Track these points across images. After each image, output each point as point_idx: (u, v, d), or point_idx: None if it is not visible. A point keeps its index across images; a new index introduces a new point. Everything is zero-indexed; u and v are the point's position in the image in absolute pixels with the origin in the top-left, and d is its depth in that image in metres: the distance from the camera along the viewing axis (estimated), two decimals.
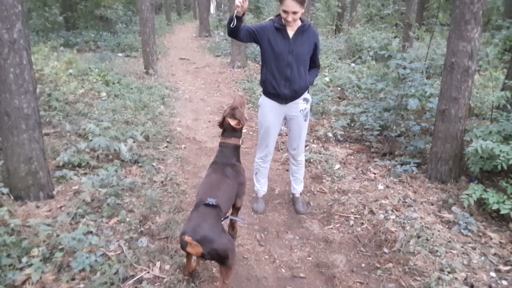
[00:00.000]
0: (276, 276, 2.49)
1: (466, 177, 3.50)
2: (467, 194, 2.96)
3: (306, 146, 4.52)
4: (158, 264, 2.48)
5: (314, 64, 2.96)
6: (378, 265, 2.58)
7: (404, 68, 4.10)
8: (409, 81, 4.22)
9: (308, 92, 3.02)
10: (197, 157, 4.33)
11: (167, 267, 2.47)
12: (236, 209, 2.59)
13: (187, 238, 1.91)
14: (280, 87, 2.82)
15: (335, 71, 7.27)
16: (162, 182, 3.60)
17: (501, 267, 2.48)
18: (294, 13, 2.59)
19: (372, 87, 4.50)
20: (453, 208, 3.11)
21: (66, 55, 7.77)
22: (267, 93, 2.93)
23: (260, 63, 2.95)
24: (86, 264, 2.32)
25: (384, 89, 4.72)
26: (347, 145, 4.54)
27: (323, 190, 3.57)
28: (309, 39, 2.78)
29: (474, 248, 2.67)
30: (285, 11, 2.61)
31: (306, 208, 3.27)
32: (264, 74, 2.89)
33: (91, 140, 3.80)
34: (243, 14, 2.51)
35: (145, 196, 3.23)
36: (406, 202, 3.25)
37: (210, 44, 14.00)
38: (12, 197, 2.91)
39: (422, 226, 2.87)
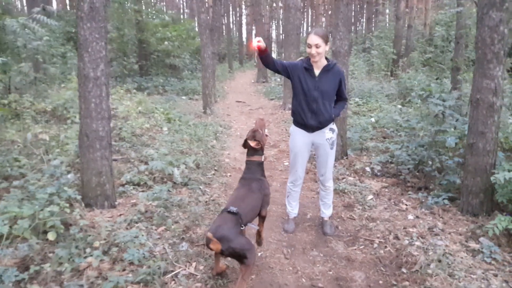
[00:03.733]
0: (296, 284, 2.74)
1: (499, 211, 3.50)
2: (493, 224, 3.01)
3: (342, 178, 4.76)
4: (194, 264, 2.88)
5: (340, 97, 3.34)
6: (395, 283, 2.72)
7: (439, 106, 4.28)
8: (450, 120, 4.38)
9: (333, 123, 3.35)
10: None
11: (201, 267, 2.85)
12: (261, 218, 2.93)
13: (209, 234, 2.33)
14: (308, 118, 3.22)
15: (381, 113, 7.47)
16: (206, 201, 4.05)
17: None
18: (317, 46, 3.01)
19: (407, 124, 4.69)
20: (481, 239, 3.15)
21: (137, 96, 8.89)
22: (297, 122, 3.33)
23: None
24: (136, 257, 2.79)
25: (424, 127, 4.88)
26: (383, 179, 4.69)
27: (353, 217, 3.77)
28: (334, 77, 3.18)
29: (495, 275, 2.70)
30: (309, 45, 3.05)
31: (334, 231, 3.49)
32: (294, 106, 3.31)
33: (149, 164, 4.42)
34: (266, 49, 3.00)
35: (190, 211, 3.69)
36: (433, 231, 3.34)
37: (266, 89, 14.87)
38: (83, 204, 3.54)
39: (445, 252, 2.96)
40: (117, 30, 14.07)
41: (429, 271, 2.75)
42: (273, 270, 2.91)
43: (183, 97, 12.42)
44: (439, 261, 2.85)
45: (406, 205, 3.95)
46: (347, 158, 5.41)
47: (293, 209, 3.60)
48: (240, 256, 2.40)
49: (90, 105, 3.45)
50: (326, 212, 3.55)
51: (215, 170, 5.16)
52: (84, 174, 3.59)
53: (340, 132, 5.42)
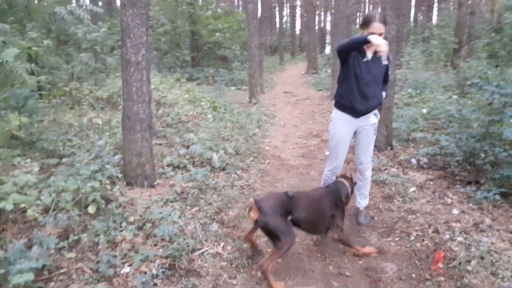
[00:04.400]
0: (323, 271, 2.68)
1: None
2: None
3: (385, 169, 4.55)
4: (222, 244, 2.93)
5: (384, 82, 3.18)
6: (429, 277, 2.56)
7: (495, 94, 3.92)
8: (510, 110, 3.99)
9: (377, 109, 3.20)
10: (277, 171, 4.74)
11: (229, 247, 2.89)
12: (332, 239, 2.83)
13: (252, 199, 2.42)
14: (357, 103, 3.02)
15: (435, 104, 7.01)
16: (241, 186, 4.09)
17: None
18: (380, 34, 2.82)
19: (459, 115, 4.35)
20: None
21: (186, 85, 9.16)
22: (343, 106, 3.11)
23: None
24: (167, 234, 2.88)
25: (479, 118, 4.50)
26: (430, 172, 4.41)
27: (391, 208, 3.60)
28: (382, 61, 3.04)
29: None
30: (373, 33, 2.81)
31: (369, 221, 3.35)
32: (342, 90, 3.11)
33: (189, 148, 4.54)
34: None
35: (224, 194, 3.75)
36: (479, 227, 3.09)
37: (315, 80, 14.61)
38: (124, 182, 3.73)
39: (490, 249, 2.73)
40: (171, 22, 14.57)
41: (469, 268, 2.55)
42: (301, 255, 2.87)
43: (232, 88, 12.61)
44: (482, 258, 2.63)
45: (452, 199, 3.69)
46: (391, 149, 5.16)
47: None
48: (273, 236, 2.43)
49: (131, 88, 3.61)
50: (362, 202, 3.41)
51: (254, 157, 5.18)
52: (126, 154, 3.77)
53: (385, 122, 5.19)
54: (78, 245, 2.73)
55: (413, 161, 4.72)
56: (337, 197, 2.85)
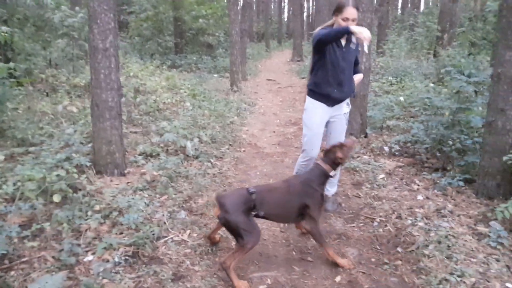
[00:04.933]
0: (286, 257, 2.73)
1: None
2: (504, 207, 2.80)
3: (357, 157, 4.61)
4: (188, 232, 2.95)
5: (356, 67, 3.18)
6: (387, 261, 2.63)
7: (461, 82, 3.98)
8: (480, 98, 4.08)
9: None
10: (252, 159, 4.77)
11: (194, 234, 2.92)
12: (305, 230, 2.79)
13: (214, 195, 2.51)
14: (333, 91, 3.01)
15: (411, 92, 7.10)
16: (214, 174, 4.10)
17: None
18: (354, 20, 2.82)
19: (429, 103, 4.42)
20: (491, 222, 2.94)
21: (165, 73, 9.06)
22: (318, 94, 3.07)
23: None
24: (132, 222, 2.89)
25: (450, 106, 4.58)
26: (400, 159, 4.50)
27: (359, 195, 3.67)
28: (354, 46, 3.05)
29: (498, 260, 2.53)
30: (346, 19, 2.82)
31: (336, 207, 3.41)
32: (318, 78, 3.05)
33: (163, 135, 4.53)
34: None
35: (196, 182, 3.76)
36: (441, 213, 3.17)
37: (300, 68, 14.61)
38: (94, 171, 3.71)
39: (448, 234, 2.81)
40: (153, 8, 14.29)
41: (426, 252, 2.63)
42: (266, 241, 2.92)
43: (215, 75, 12.51)
44: (439, 242, 2.71)
45: (418, 185, 3.77)
46: (365, 137, 5.23)
47: None
48: (235, 233, 2.37)
49: (99, 76, 3.57)
50: (331, 190, 3.43)
51: (230, 145, 5.19)
52: (95, 142, 3.75)
53: (360, 109, 5.24)
54: (42, 234, 2.72)
55: (386, 148, 4.80)
56: (309, 186, 2.61)
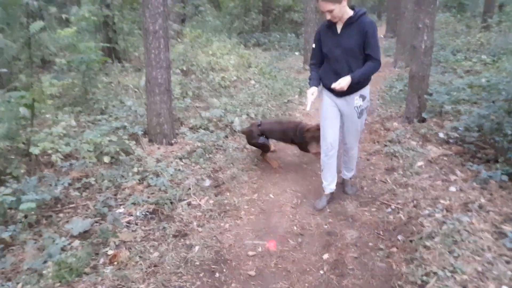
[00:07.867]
0: (286, 230, 2.89)
1: None
2: None
3: (404, 142, 4.39)
4: (206, 198, 3.28)
5: (367, 56, 2.74)
6: (382, 247, 2.61)
7: None
8: None
9: (366, 89, 2.94)
10: None
11: (211, 201, 3.24)
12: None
13: (240, 130, 3.86)
14: (331, 82, 2.78)
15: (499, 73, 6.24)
16: (252, 149, 4.35)
17: None
18: (330, 11, 2.66)
19: (486, 84, 3.94)
20: None
21: (241, 51, 9.42)
22: (324, 85, 3.01)
23: None
24: (162, 185, 3.33)
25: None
26: (452, 147, 4.14)
27: (387, 180, 3.56)
28: (358, 30, 2.70)
29: (508, 262, 2.32)
30: (322, 12, 2.74)
31: (355, 191, 3.39)
32: (322, 69, 2.99)
33: (212, 111, 4.91)
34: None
35: (229, 155, 4.07)
36: (467, 207, 2.94)
37: (389, 45, 13.66)
38: (146, 138, 4.26)
39: (463, 229, 2.63)
40: None
41: (427, 243, 2.52)
42: (273, 215, 3.10)
43: (296, 53, 12.50)
44: (447, 235, 2.57)
45: (458, 176, 3.48)
46: (422, 121, 4.88)
47: (329, 184, 3.20)
48: (257, 147, 3.99)
49: (150, 55, 4.03)
50: (348, 174, 3.37)
51: None
52: (148, 114, 4.28)
53: (418, 92, 4.90)
54: (91, 187, 3.33)
55: (441, 135, 4.44)
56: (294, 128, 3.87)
